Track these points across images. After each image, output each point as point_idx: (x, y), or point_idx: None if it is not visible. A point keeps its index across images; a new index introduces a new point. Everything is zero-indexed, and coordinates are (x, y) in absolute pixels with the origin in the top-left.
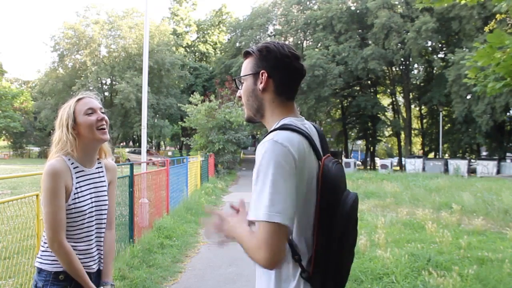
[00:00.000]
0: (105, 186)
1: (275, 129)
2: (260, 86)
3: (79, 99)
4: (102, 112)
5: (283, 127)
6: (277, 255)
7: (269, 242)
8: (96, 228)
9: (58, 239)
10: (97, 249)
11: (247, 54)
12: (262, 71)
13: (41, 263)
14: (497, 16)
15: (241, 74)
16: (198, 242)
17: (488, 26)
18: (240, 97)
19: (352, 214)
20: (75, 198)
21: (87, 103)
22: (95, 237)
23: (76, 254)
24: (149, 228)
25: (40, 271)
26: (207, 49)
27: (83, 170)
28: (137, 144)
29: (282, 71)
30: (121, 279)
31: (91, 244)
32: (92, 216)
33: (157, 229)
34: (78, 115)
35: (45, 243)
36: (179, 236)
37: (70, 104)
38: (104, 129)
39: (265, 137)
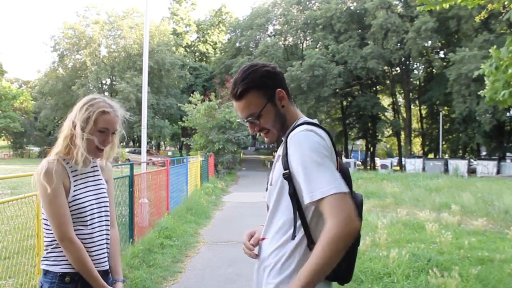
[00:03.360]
0: (103, 184)
1: (299, 125)
2: (283, 103)
3: (104, 112)
4: (113, 133)
5: (308, 122)
6: (357, 222)
7: (347, 211)
8: (99, 227)
9: (68, 235)
10: (106, 248)
11: (243, 93)
12: (278, 90)
13: (47, 264)
14: (489, 6)
15: (253, 111)
16: (198, 242)
17: (479, 16)
18: (260, 130)
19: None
20: (74, 195)
21: (108, 121)
22: (101, 235)
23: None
24: (149, 228)
25: (46, 272)
26: (207, 49)
27: (76, 170)
28: (137, 144)
29: (283, 81)
30: None
31: (96, 242)
32: (94, 214)
33: (157, 229)
34: (95, 126)
35: (49, 245)
36: (179, 236)
37: (95, 110)
38: (102, 150)
39: (290, 132)
